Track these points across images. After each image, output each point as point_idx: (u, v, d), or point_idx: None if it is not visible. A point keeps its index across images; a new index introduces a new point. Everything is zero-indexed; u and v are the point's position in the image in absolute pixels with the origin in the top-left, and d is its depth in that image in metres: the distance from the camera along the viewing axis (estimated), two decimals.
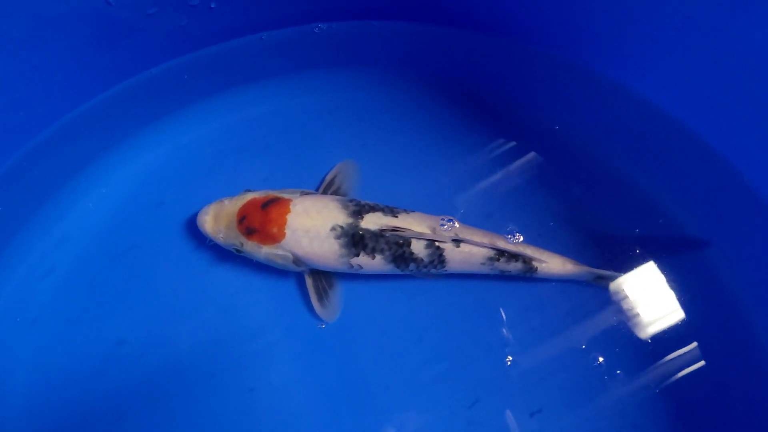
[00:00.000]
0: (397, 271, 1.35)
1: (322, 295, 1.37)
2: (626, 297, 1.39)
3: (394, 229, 1.30)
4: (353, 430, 1.34)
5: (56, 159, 1.47)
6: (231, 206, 1.34)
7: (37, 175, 1.45)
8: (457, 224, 1.36)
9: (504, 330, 1.39)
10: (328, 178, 1.47)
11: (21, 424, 1.32)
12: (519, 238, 1.40)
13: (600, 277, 1.40)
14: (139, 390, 1.35)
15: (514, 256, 1.34)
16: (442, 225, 1.35)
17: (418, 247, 1.31)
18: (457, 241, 1.32)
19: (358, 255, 1.30)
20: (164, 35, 1.47)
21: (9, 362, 1.36)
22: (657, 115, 1.48)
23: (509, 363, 1.37)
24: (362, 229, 1.29)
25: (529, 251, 1.36)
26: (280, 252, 1.30)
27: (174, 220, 1.47)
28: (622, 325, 1.38)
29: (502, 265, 1.35)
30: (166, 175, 1.52)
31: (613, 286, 1.40)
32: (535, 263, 1.36)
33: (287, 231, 1.29)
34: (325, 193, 1.44)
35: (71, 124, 1.46)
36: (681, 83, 1.42)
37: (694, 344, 1.36)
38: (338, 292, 1.40)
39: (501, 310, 1.40)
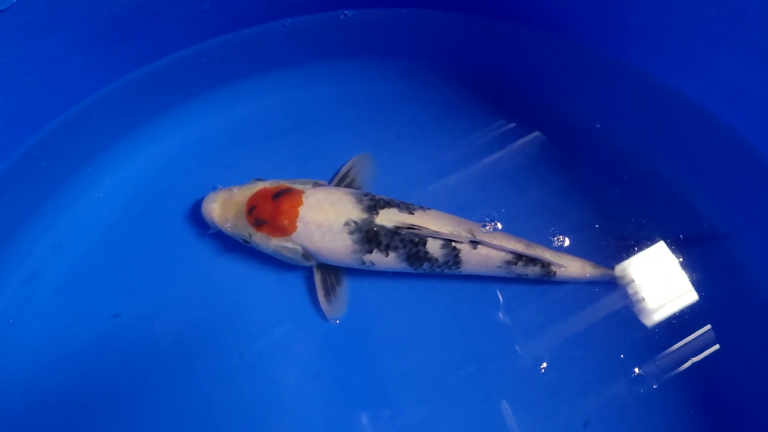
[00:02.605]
0: (410, 270, 1.25)
1: (329, 291, 1.27)
2: (654, 300, 1.29)
3: (410, 227, 1.19)
4: (367, 427, 1.25)
5: (67, 148, 1.40)
6: (240, 195, 1.24)
7: (45, 165, 1.38)
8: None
9: (532, 334, 1.29)
10: (343, 170, 1.37)
11: (25, 400, 1.27)
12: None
13: (621, 278, 1.31)
14: (138, 371, 1.28)
15: (532, 260, 1.24)
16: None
17: (433, 247, 1.21)
18: (474, 243, 1.22)
19: (371, 251, 1.20)
20: (184, 20, 1.38)
21: (18, 338, 1.30)
22: (698, 113, 1.37)
23: (543, 371, 1.26)
24: (377, 226, 1.19)
25: (548, 255, 1.27)
26: (289, 245, 1.20)
27: (186, 210, 1.39)
28: (657, 333, 1.27)
29: (520, 268, 1.26)
30: (180, 164, 1.44)
31: (637, 287, 1.30)
32: (553, 267, 1.27)
33: (299, 224, 1.19)
34: (338, 185, 1.34)
35: (84, 112, 1.40)
36: (724, 80, 1.31)
37: (727, 352, 1.25)
38: (345, 288, 1.29)
39: (526, 310, 1.31)
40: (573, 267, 1.27)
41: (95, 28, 1.25)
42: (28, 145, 1.35)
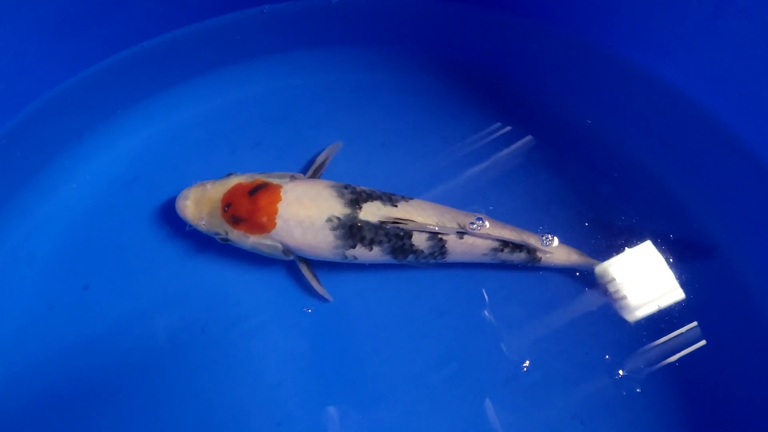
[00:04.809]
0: (394, 262, 1.20)
1: (317, 278, 1.21)
2: (641, 297, 1.25)
3: (396, 222, 1.12)
4: (346, 423, 1.20)
5: (40, 137, 1.32)
6: (214, 191, 1.15)
7: (18, 155, 1.30)
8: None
9: (516, 331, 1.24)
10: (319, 160, 1.29)
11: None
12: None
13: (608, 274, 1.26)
14: (113, 366, 1.23)
15: (518, 247, 1.20)
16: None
17: (419, 239, 1.15)
18: (461, 233, 1.17)
19: (354, 247, 1.13)
20: (159, 5, 1.30)
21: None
22: (690, 108, 1.31)
23: (525, 369, 1.22)
24: (361, 221, 1.12)
25: (533, 240, 1.22)
26: (268, 242, 1.13)
27: (162, 200, 1.31)
28: (644, 330, 1.23)
29: (506, 255, 1.21)
30: (157, 154, 1.37)
31: (625, 284, 1.25)
32: (539, 253, 1.22)
33: (278, 221, 1.11)
34: (314, 175, 1.26)
35: (58, 100, 1.31)
36: (716, 74, 1.25)
37: (713, 348, 1.21)
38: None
39: (511, 307, 1.26)
40: (558, 253, 1.23)
41: (66, 12, 1.17)
42: None
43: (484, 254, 1.19)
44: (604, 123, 1.37)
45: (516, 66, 1.44)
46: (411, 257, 1.17)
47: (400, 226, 1.12)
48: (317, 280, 1.20)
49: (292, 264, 1.24)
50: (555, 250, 1.22)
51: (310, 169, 1.27)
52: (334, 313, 1.24)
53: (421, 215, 1.15)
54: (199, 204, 1.14)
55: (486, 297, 1.26)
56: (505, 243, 1.18)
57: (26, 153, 1.30)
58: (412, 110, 1.41)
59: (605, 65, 1.37)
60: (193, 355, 1.22)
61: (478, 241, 1.17)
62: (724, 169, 1.30)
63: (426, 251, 1.16)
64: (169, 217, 1.28)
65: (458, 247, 1.17)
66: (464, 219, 1.19)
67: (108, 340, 1.22)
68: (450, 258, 1.19)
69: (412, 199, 1.19)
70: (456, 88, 1.42)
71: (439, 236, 1.15)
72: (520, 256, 1.21)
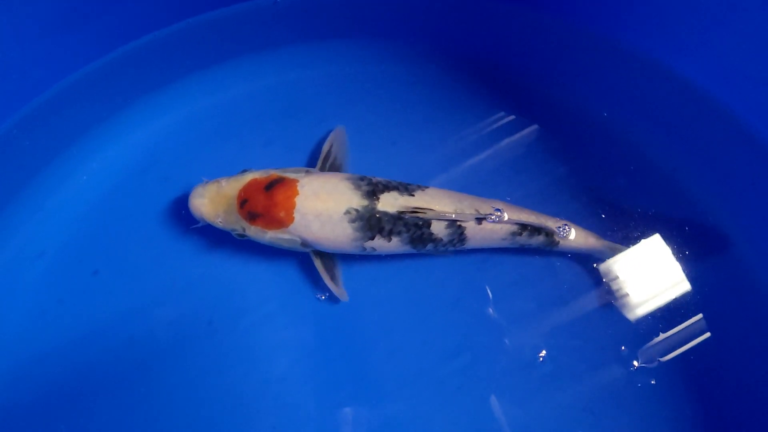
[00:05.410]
0: (413, 251, 1.18)
1: (334, 274, 1.20)
2: (653, 290, 1.24)
3: (414, 211, 1.11)
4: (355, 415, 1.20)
5: (51, 127, 1.30)
6: (229, 188, 1.13)
7: (28, 147, 1.28)
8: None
9: (528, 323, 1.24)
10: (324, 149, 1.26)
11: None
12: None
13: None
14: (122, 359, 1.22)
15: (536, 230, 1.19)
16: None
17: (438, 227, 1.14)
18: (480, 219, 1.15)
19: (373, 238, 1.12)
20: None
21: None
22: (706, 102, 1.28)
23: (541, 359, 1.21)
24: (379, 212, 1.10)
25: (551, 224, 1.21)
26: (287, 237, 1.11)
27: (173, 192, 1.30)
28: (660, 323, 1.22)
29: (524, 239, 1.20)
30: (168, 146, 1.35)
31: (638, 277, 1.24)
32: (556, 237, 1.21)
33: (296, 215, 1.09)
34: (324, 166, 1.24)
35: (65, 92, 1.29)
36: (733, 69, 1.22)
37: (723, 341, 1.20)
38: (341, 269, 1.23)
39: (522, 299, 1.25)
40: (577, 236, 1.21)
41: (76, 2, 1.16)
42: (10, 124, 1.25)
43: (503, 239, 1.18)
44: (620, 116, 1.34)
45: (528, 59, 1.41)
46: (430, 246, 1.15)
47: (419, 215, 1.10)
48: (332, 278, 1.18)
49: (299, 255, 1.22)
50: (573, 233, 1.21)
51: (318, 161, 1.24)
52: (342, 304, 1.22)
53: (438, 203, 1.13)
54: (214, 201, 1.12)
55: (499, 289, 1.25)
56: (523, 227, 1.17)
57: (36, 145, 1.28)
58: (422, 103, 1.38)
59: (620, 59, 1.34)
60: (200, 347, 1.21)
61: (497, 226, 1.16)
62: (738, 163, 1.27)
63: (445, 239, 1.14)
64: (178, 209, 1.28)
65: (477, 234, 1.16)
66: (482, 205, 1.17)
67: (114, 332, 1.22)
68: (469, 245, 1.18)
69: (428, 187, 1.17)
70: (466, 81, 1.39)
71: (458, 223, 1.13)
72: (538, 240, 1.20)
